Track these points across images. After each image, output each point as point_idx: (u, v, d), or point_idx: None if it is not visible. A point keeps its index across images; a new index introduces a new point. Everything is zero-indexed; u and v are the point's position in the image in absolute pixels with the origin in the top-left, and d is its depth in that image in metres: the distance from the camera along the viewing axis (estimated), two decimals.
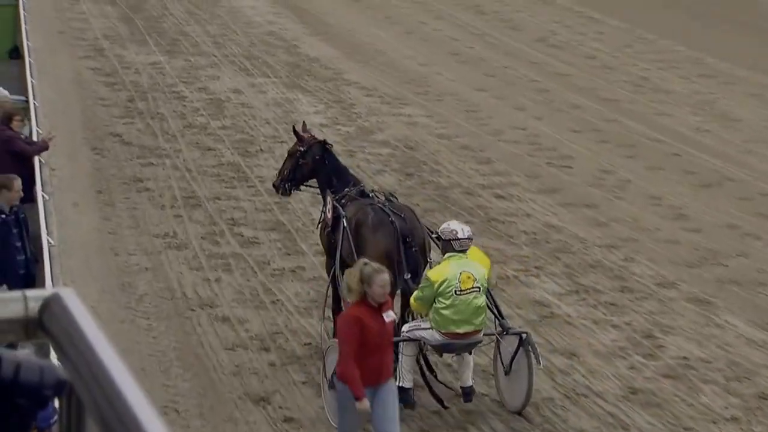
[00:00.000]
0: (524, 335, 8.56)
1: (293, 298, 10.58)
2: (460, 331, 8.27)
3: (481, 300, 8.31)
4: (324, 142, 9.80)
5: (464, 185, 14.03)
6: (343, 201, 9.10)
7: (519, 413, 8.56)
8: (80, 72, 18.64)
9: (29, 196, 10.93)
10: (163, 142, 15.17)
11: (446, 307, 8.19)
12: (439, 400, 8.39)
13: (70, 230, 11.92)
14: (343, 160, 14.60)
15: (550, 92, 18.56)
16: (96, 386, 1.33)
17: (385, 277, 7.35)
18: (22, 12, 19.66)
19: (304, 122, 10.51)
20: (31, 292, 1.56)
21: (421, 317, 8.50)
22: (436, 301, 8.23)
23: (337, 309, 9.01)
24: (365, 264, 7.51)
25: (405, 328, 8.46)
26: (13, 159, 11.00)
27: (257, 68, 19.26)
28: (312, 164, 9.59)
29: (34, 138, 12.46)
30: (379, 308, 7.39)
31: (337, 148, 15.23)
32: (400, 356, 8.22)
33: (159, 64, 19.32)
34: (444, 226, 8.54)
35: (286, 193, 9.82)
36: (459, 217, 12.82)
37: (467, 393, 8.41)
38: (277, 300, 10.56)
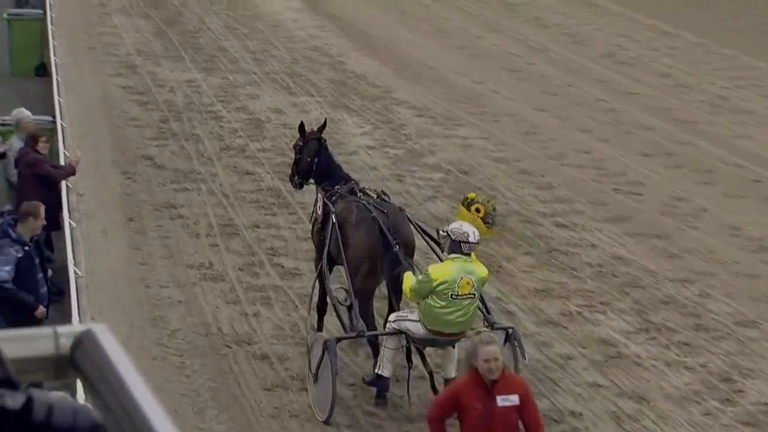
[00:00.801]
0: (510, 330, 9.24)
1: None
2: (446, 331, 8.94)
3: (475, 306, 8.97)
4: (320, 138, 10.58)
5: (523, 213, 14.00)
6: (333, 198, 9.96)
7: None
8: (110, 90, 18.89)
9: (55, 223, 11.07)
10: (199, 166, 15.31)
11: (440, 308, 8.82)
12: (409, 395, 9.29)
13: (99, 260, 12.06)
14: (392, 185, 14.78)
15: (618, 112, 18.49)
16: (131, 430, 1.36)
17: (491, 349, 6.83)
18: (49, 26, 19.95)
19: (326, 120, 11.27)
20: (62, 329, 1.59)
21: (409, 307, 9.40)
22: (430, 297, 8.85)
23: (321, 305, 10.08)
24: (476, 333, 7.28)
25: (392, 317, 9.21)
26: (39, 183, 11.16)
27: (300, 86, 19.40)
28: (309, 160, 10.50)
29: (61, 161, 12.63)
30: (492, 387, 6.91)
31: (385, 173, 15.35)
32: (381, 348, 9.18)
33: (195, 81, 19.54)
34: (455, 225, 9.10)
35: (297, 186, 10.79)
36: (519, 248, 12.80)
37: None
38: None
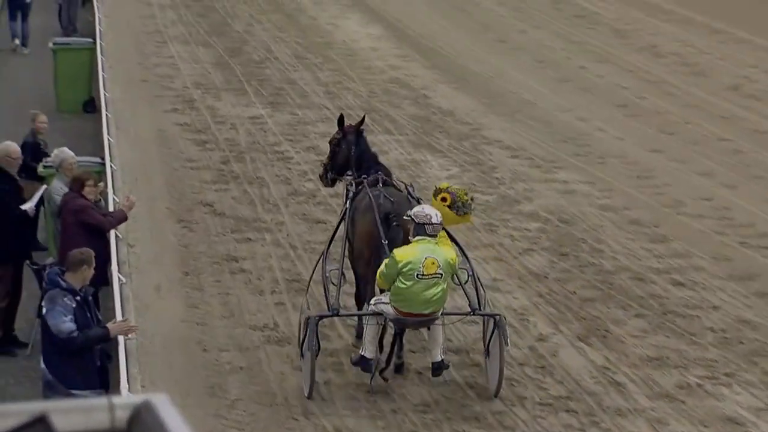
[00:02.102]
0: (497, 317, 10.82)
1: (419, 404, 10.60)
2: (414, 311, 10.62)
3: (441, 287, 10.57)
4: (359, 130, 12.10)
5: (634, 269, 13.92)
6: (359, 188, 11.67)
7: (496, 396, 10.70)
8: (165, 128, 19.20)
9: (103, 277, 11.24)
10: (263, 213, 15.48)
11: (406, 288, 10.52)
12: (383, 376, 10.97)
13: (150, 320, 12.22)
14: (482, 236, 14.79)
15: (744, 154, 18.33)
16: None
17: None
18: (99, 57, 20.34)
19: (364, 116, 12.85)
20: (118, 399, 1.64)
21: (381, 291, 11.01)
22: (398, 279, 10.52)
23: (358, 294, 11.61)
24: None
25: (372, 300, 10.98)
26: (86, 232, 11.34)
27: (378, 123, 19.55)
28: (347, 151, 12.01)
29: (110, 208, 12.84)
30: None
31: (474, 219, 15.36)
32: (364, 327, 10.90)
33: (260, 118, 19.78)
34: (418, 209, 10.77)
35: (329, 183, 12.41)
36: (629, 309, 12.72)
37: (435, 368, 10.81)
38: (399, 408, 10.60)
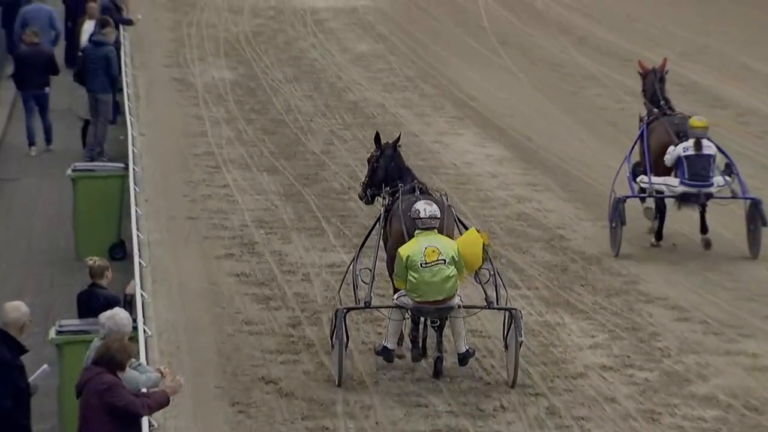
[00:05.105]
0: (513, 311, 15.37)
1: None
2: (428, 299, 15.19)
3: (447, 272, 15.18)
4: (395, 146, 16.76)
5: None
6: (396, 196, 16.14)
7: (512, 386, 15.15)
8: (217, 281, 19.33)
9: None
10: (345, 393, 15.46)
11: (414, 278, 15.11)
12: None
13: None
14: (641, 426, 14.65)
15: None
16: None
17: None
18: (132, 187, 20.48)
19: (400, 134, 17.81)
20: None
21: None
22: (408, 274, 15.15)
23: None
24: None
25: (395, 296, 15.57)
26: (114, 418, 11.38)
27: (498, 272, 19.53)
28: (384, 167, 16.64)
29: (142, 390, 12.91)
30: None
31: (628, 406, 15.24)
32: (388, 320, 15.61)
33: (341, 266, 19.85)
34: (412, 208, 15.44)
35: (369, 201, 17.08)
36: None
37: (461, 359, 15.39)
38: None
